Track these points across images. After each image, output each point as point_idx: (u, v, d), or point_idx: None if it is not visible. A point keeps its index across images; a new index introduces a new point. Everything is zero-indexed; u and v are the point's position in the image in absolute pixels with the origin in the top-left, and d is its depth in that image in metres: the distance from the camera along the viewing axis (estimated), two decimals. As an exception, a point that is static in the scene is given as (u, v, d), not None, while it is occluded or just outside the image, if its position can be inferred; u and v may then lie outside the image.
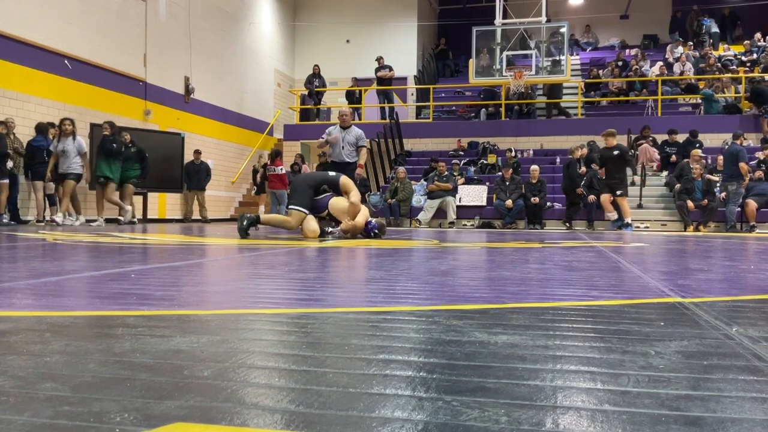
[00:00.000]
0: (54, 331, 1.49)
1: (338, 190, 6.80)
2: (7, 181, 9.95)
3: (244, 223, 6.54)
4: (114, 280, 2.55)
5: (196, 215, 14.85)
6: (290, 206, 6.70)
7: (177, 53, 15.31)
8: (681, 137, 14.60)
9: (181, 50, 15.44)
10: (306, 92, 18.80)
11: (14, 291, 2.21)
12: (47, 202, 10.89)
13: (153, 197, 14.13)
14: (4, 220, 9.83)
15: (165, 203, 14.94)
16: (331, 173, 7.00)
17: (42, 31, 11.33)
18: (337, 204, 6.73)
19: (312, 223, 6.63)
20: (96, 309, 1.86)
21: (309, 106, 18.91)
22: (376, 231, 6.98)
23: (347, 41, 20.95)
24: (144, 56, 14.14)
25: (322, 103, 19.14)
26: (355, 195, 6.68)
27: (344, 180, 6.79)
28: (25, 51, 11.04)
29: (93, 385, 1.03)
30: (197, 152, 14.68)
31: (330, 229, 6.84)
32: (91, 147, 12.16)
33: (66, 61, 11.92)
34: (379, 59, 18.21)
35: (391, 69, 18.17)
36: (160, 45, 14.67)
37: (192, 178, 14.58)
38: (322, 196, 6.78)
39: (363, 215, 6.72)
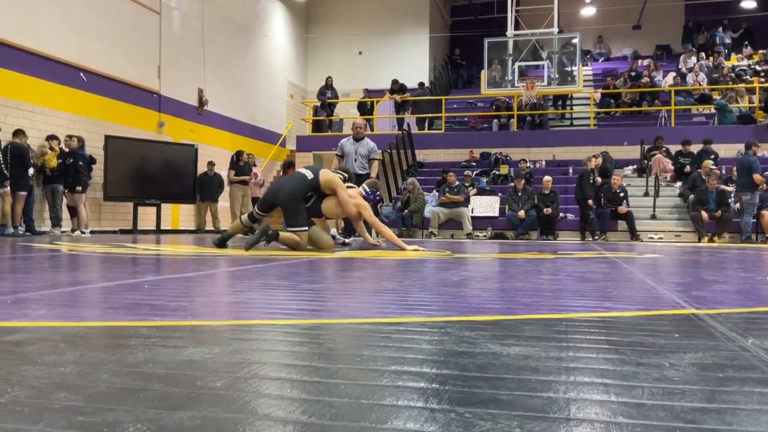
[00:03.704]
0: (68, 342, 1.50)
1: (321, 192, 6.34)
2: (25, 193, 10.06)
3: (262, 237, 5.87)
4: (127, 291, 2.57)
5: (209, 226, 14.92)
6: (292, 229, 6.12)
7: (191, 65, 15.44)
8: (695, 148, 14.50)
9: (194, 62, 15.58)
10: (318, 104, 18.89)
11: (29, 301, 2.22)
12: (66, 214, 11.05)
13: (166, 208, 14.21)
14: (20, 232, 9.92)
15: (178, 214, 15.02)
16: (309, 174, 6.28)
17: (57, 43, 11.47)
18: (330, 209, 6.36)
19: (325, 237, 6.51)
20: (110, 319, 1.87)
21: (321, 118, 18.98)
22: (378, 193, 6.74)
23: (359, 53, 21.05)
24: (158, 68, 14.27)
25: (334, 114, 19.21)
26: (340, 189, 6.24)
27: (324, 178, 6.26)
28: (40, 63, 11.17)
29: (106, 396, 1.04)
30: (210, 164, 14.75)
31: (338, 238, 6.76)
32: (105, 159, 12.29)
33: (81, 74, 12.05)
34: (394, 82, 18.32)
35: (404, 91, 18.29)
36: (174, 57, 14.81)
37: (205, 189, 14.65)
38: (312, 202, 6.35)
39: (357, 197, 6.41)
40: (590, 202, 12.58)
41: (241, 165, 14.39)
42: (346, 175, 6.71)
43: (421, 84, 19.01)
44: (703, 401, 1.05)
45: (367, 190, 6.69)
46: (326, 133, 18.41)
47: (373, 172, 8.96)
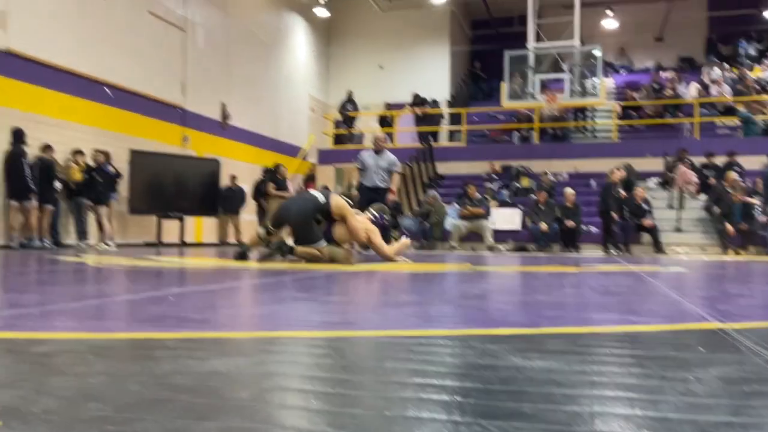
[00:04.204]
0: (96, 353, 1.52)
1: (331, 217, 6.28)
2: (52, 206, 10.21)
3: (275, 252, 6.04)
4: (153, 303, 2.60)
5: (231, 239, 15.01)
6: (312, 246, 6.08)
7: (214, 80, 15.62)
8: (720, 160, 14.33)
9: (218, 77, 15.75)
10: (340, 117, 18.99)
11: (56, 313, 2.26)
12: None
13: (190, 221, 14.33)
14: (46, 245, 10.06)
15: (201, 227, 15.14)
16: (321, 198, 6.24)
17: (83, 59, 11.66)
18: (342, 235, 6.32)
19: (339, 250, 6.46)
20: (136, 331, 1.90)
21: (342, 131, 19.08)
22: (385, 217, 6.81)
23: (380, 67, 21.15)
24: (182, 84, 14.45)
25: (355, 127, 19.30)
26: (350, 216, 6.22)
27: (335, 204, 6.23)
28: (66, 79, 11.36)
29: (135, 406, 1.06)
30: (233, 177, 14.88)
31: (357, 250, 6.75)
32: (130, 173, 12.45)
33: (106, 89, 12.23)
34: (415, 95, 18.41)
35: (424, 104, 18.35)
36: (199, 72, 14.99)
37: (227, 202, 14.76)
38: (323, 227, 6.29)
39: (364, 222, 6.42)
40: (614, 214, 12.47)
41: (279, 179, 14.23)
42: (351, 202, 6.75)
43: (435, 101, 19.09)
44: (729, 415, 1.04)
45: (375, 214, 6.75)
46: (347, 146, 18.49)
47: (394, 184, 8.98)
